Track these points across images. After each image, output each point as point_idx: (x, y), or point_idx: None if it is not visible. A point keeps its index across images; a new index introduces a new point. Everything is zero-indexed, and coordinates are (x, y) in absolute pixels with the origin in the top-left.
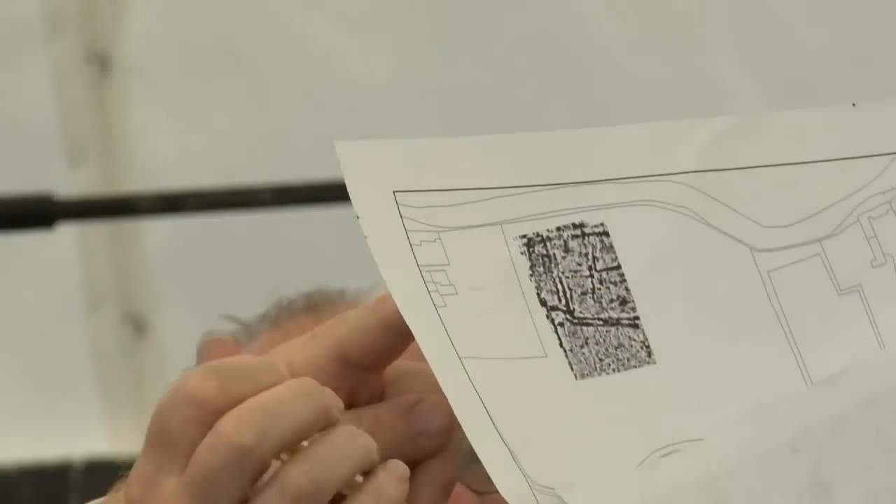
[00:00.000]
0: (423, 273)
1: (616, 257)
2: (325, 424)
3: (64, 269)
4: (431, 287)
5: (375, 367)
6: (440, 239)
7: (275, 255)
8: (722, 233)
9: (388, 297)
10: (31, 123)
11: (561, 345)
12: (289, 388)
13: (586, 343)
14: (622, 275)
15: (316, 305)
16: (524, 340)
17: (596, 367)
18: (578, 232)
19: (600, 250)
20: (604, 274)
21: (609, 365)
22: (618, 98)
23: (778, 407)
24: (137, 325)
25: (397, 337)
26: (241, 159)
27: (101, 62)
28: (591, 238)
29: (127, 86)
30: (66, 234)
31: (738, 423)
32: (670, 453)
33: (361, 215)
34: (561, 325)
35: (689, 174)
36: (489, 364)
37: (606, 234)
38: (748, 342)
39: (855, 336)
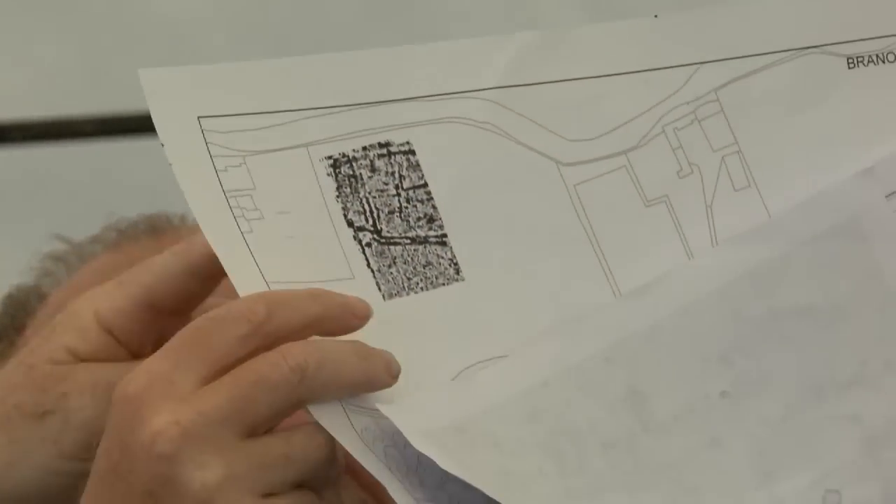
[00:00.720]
0: (229, 199)
1: (423, 175)
2: (369, 388)
3: None
4: (237, 212)
5: (183, 311)
6: (245, 164)
7: (99, 185)
8: (528, 148)
9: (192, 242)
10: None
11: (368, 265)
12: (350, 346)
13: (394, 262)
14: (429, 192)
15: (158, 228)
16: (331, 263)
17: (404, 287)
18: (384, 151)
19: (407, 169)
20: (410, 192)
21: (417, 283)
22: (428, 17)
23: (589, 319)
24: None
25: (203, 281)
26: (63, 91)
27: None
28: (398, 157)
29: None
30: None
31: (549, 337)
32: (484, 368)
33: (166, 143)
34: (368, 245)
35: (494, 90)
36: (297, 288)
37: (412, 152)
38: (556, 257)
39: (662, 247)
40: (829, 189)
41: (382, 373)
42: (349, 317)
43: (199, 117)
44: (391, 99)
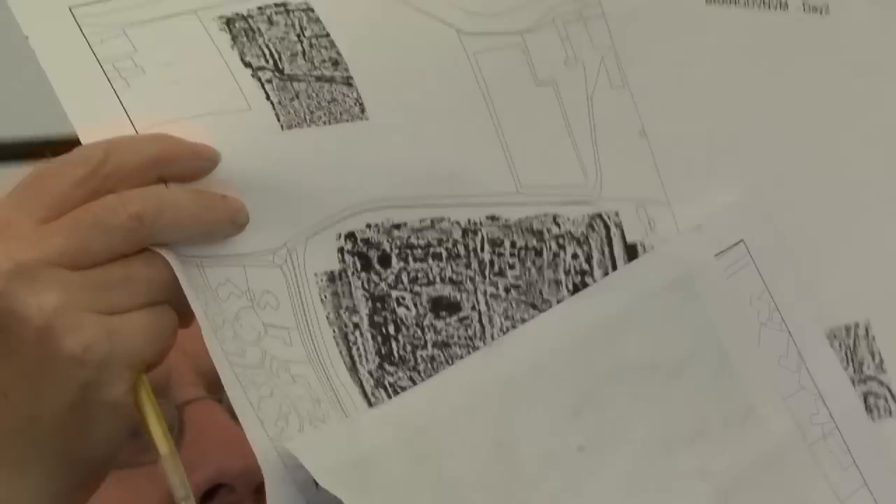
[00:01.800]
0: (104, 66)
1: (324, 27)
2: (211, 237)
3: None
4: (112, 75)
5: None
6: (125, 34)
7: None
8: (428, 15)
9: None
10: None
11: (268, 98)
12: (192, 195)
13: (297, 97)
14: (332, 41)
15: None
16: (225, 95)
17: (306, 119)
18: (281, 9)
19: (307, 22)
20: (313, 40)
21: (320, 117)
22: None
23: (453, 371)
24: None
25: None
26: None
27: None
28: (296, 13)
29: None
30: None
31: (419, 388)
32: (376, 221)
33: (31, 34)
34: (269, 81)
35: None
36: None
37: (311, 9)
38: (455, 116)
39: (550, 125)
40: (666, 246)
41: (226, 223)
42: (193, 158)
43: (70, 7)
44: None
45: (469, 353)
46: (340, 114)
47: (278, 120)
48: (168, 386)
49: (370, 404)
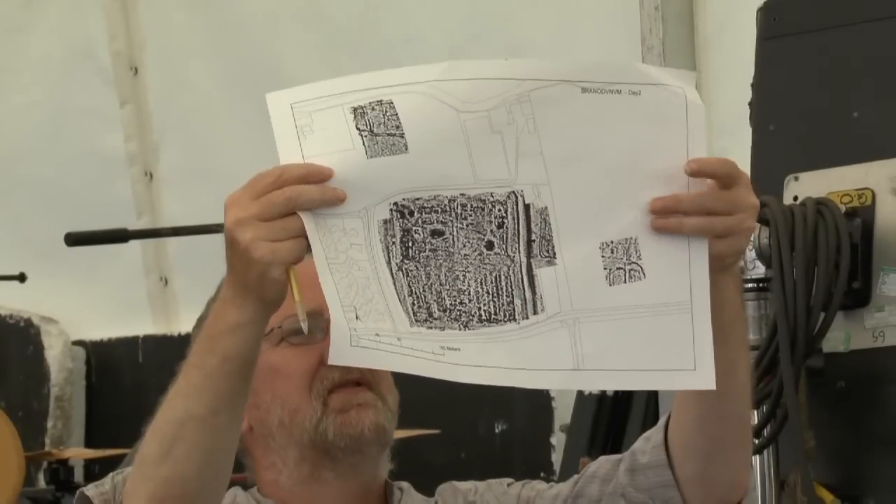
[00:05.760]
0: (297, 127)
1: (395, 111)
2: (334, 205)
3: None
4: (299, 132)
5: None
6: (310, 116)
7: None
8: (441, 101)
9: None
10: None
11: (363, 143)
12: (320, 188)
13: (377, 143)
14: (397, 115)
15: None
16: (343, 143)
17: (379, 153)
18: (378, 103)
19: (388, 109)
20: (389, 117)
21: (386, 153)
22: None
23: None
24: None
25: None
26: None
27: None
28: (385, 104)
29: None
30: None
31: None
32: (405, 197)
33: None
34: (365, 136)
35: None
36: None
37: (391, 104)
38: (445, 153)
39: (494, 148)
40: None
41: (334, 201)
42: (318, 175)
43: (291, 104)
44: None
45: (446, 257)
46: (397, 151)
47: (366, 154)
48: None
49: (392, 277)
